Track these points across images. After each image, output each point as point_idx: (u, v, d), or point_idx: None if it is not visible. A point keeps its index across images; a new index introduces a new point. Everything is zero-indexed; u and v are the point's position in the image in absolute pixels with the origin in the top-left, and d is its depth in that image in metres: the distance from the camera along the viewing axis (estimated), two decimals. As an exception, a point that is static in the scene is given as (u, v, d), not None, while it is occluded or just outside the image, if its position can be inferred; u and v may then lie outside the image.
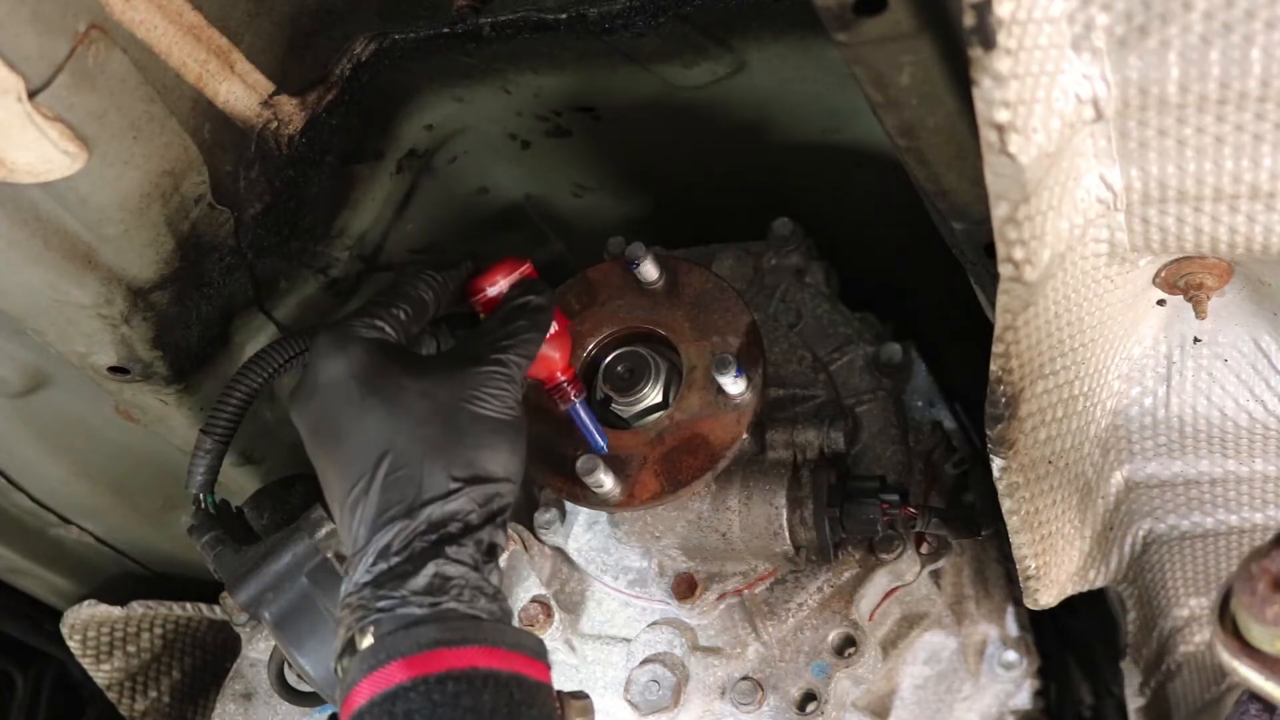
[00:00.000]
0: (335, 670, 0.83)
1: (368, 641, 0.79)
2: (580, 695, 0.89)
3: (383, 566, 0.82)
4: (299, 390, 0.91)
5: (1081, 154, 0.70)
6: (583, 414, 1.05)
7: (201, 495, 1.03)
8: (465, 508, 0.85)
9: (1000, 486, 0.91)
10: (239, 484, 1.36)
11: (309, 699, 1.15)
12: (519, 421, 0.92)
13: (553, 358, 1.03)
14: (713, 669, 1.13)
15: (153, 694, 1.57)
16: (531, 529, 1.20)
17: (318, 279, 1.30)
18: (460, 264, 1.01)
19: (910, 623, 1.25)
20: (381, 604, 0.80)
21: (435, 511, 0.83)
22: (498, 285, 1.01)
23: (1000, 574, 1.41)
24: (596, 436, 1.05)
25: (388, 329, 0.92)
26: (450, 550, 0.82)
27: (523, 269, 1.02)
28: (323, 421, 0.88)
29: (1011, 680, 1.39)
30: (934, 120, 0.69)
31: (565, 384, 1.04)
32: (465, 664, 0.77)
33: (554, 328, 1.02)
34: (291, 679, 1.15)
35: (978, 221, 0.78)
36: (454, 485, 0.84)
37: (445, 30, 1.13)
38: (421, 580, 0.81)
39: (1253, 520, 1.12)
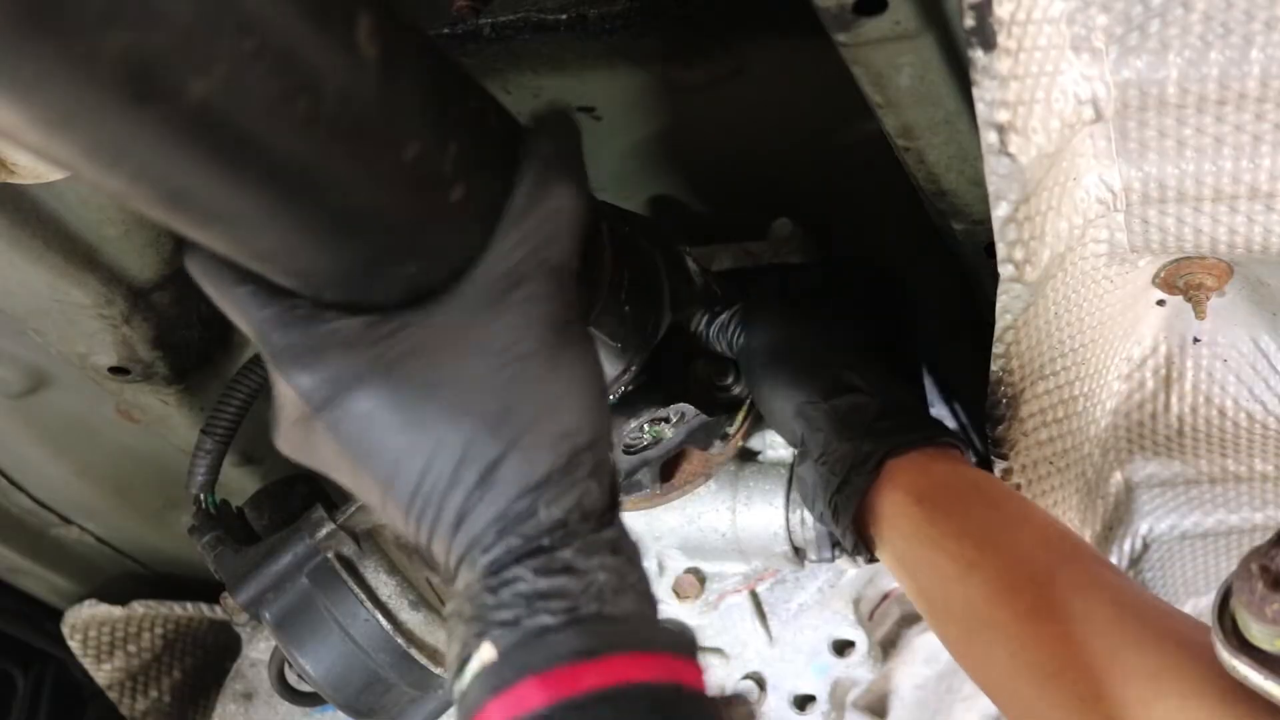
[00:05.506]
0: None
1: (488, 654, 0.63)
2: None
3: (491, 579, 0.65)
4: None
5: (1081, 154, 0.70)
6: None
7: (202, 495, 1.03)
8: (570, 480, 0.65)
9: (1000, 486, 0.91)
10: (239, 484, 1.36)
11: (309, 699, 1.14)
12: (565, 344, 0.64)
13: None
14: (713, 669, 1.13)
15: (153, 694, 1.57)
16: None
17: (318, 279, 1.30)
18: None
19: (909, 622, 1.25)
20: (502, 614, 0.64)
21: (539, 499, 0.65)
22: None
23: (1000, 574, 1.41)
24: None
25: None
26: (568, 541, 0.66)
27: None
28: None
29: (1011, 680, 1.39)
30: (934, 120, 0.69)
31: None
32: (614, 680, 0.64)
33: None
34: (292, 679, 1.15)
35: (978, 221, 0.78)
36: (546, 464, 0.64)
37: (445, 30, 1.12)
38: (543, 583, 0.64)
39: (1253, 520, 1.12)
